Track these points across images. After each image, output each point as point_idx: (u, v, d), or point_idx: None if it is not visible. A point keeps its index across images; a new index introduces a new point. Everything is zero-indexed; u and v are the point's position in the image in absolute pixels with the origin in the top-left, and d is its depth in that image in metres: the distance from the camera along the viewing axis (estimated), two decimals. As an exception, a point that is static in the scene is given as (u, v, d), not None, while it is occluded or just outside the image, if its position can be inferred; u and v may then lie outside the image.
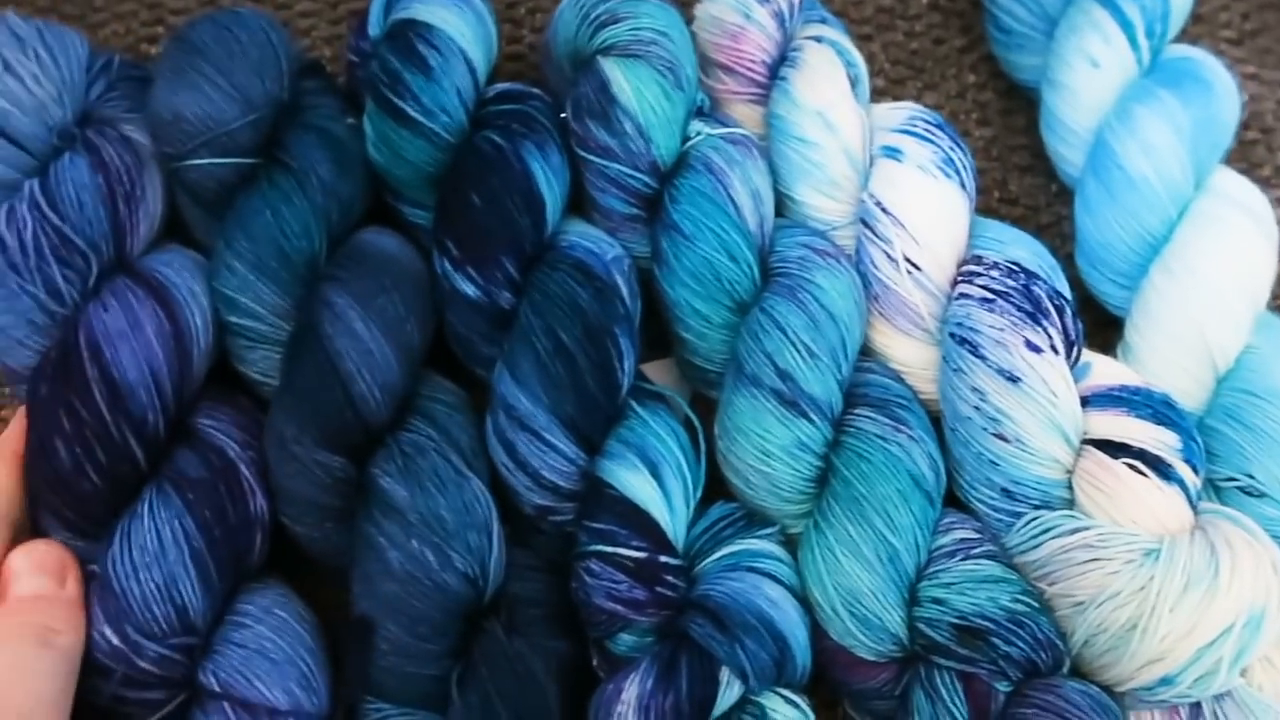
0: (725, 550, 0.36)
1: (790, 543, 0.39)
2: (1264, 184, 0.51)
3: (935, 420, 0.41)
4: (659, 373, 0.44)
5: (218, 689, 0.35)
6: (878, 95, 0.53)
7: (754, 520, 0.39)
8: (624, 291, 0.39)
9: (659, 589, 0.35)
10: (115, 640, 0.35)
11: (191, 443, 0.38)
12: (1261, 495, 0.39)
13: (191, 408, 0.39)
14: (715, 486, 0.40)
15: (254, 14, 0.42)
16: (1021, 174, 0.52)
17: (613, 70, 0.41)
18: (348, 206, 0.42)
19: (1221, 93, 0.44)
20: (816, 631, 0.37)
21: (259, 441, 0.38)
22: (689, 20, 0.47)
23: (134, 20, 0.53)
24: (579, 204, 0.44)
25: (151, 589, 0.35)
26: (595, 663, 0.38)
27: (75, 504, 0.36)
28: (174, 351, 0.38)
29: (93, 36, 0.52)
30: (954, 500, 0.41)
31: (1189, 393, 0.41)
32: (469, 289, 0.39)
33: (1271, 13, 0.55)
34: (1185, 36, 0.54)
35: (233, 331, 0.40)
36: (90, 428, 0.36)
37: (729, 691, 0.34)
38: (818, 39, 0.46)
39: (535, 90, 0.44)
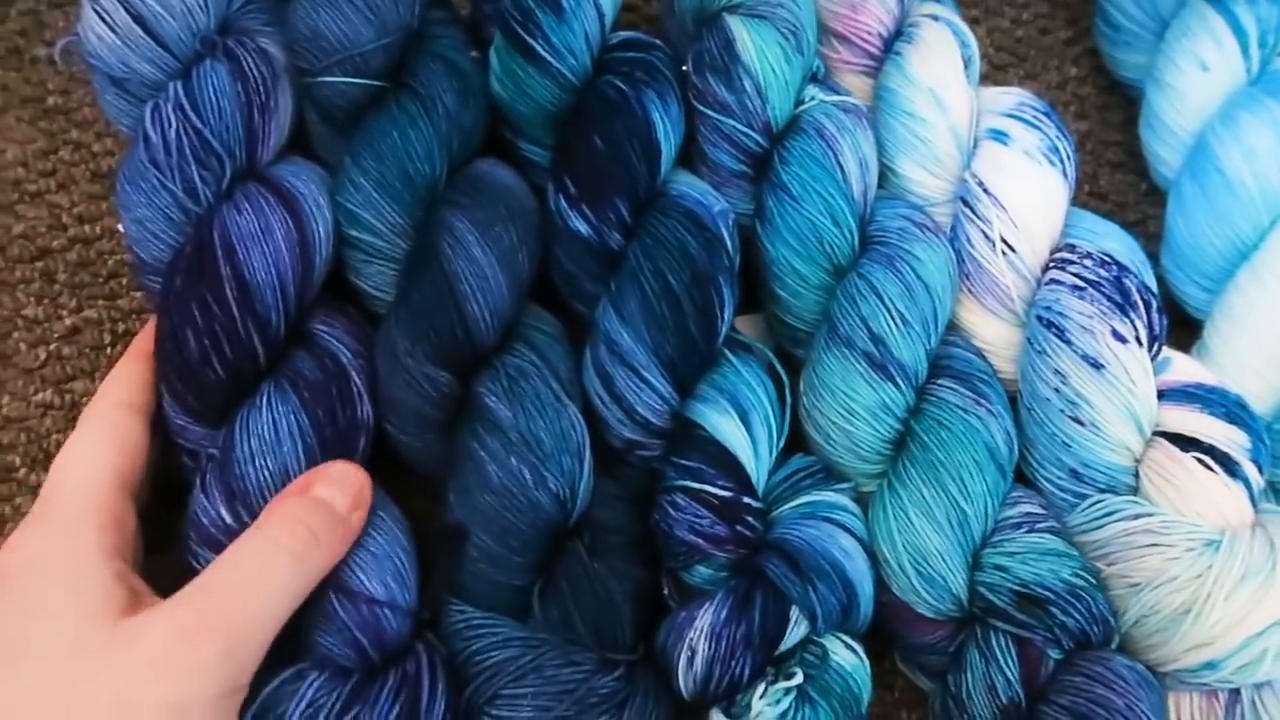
0: (803, 499, 0.38)
1: (860, 502, 0.41)
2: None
3: (1011, 399, 0.43)
4: (747, 326, 0.46)
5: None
6: (980, 80, 0.54)
7: (831, 474, 0.40)
8: (728, 244, 0.41)
9: (739, 527, 0.37)
10: (228, 518, 0.37)
11: (309, 346, 0.40)
12: (1322, 502, 0.40)
13: (310, 314, 0.41)
14: (796, 441, 0.42)
15: None
16: (1113, 170, 0.52)
17: (739, 28, 0.42)
18: (468, 136, 0.43)
19: (1328, 108, 0.45)
20: (879, 586, 0.39)
21: (368, 351, 0.40)
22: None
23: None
24: (685, 157, 0.45)
25: (265, 475, 0.37)
26: (667, 592, 0.40)
27: (199, 392, 0.39)
28: (299, 258, 0.40)
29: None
30: (1020, 478, 0.42)
31: (1261, 398, 0.42)
32: (581, 226, 0.41)
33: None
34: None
35: (352, 245, 0.42)
36: (219, 322, 0.38)
37: (796, 630, 0.36)
38: (934, 17, 0.47)
39: (658, 41, 0.45)
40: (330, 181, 0.42)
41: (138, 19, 0.42)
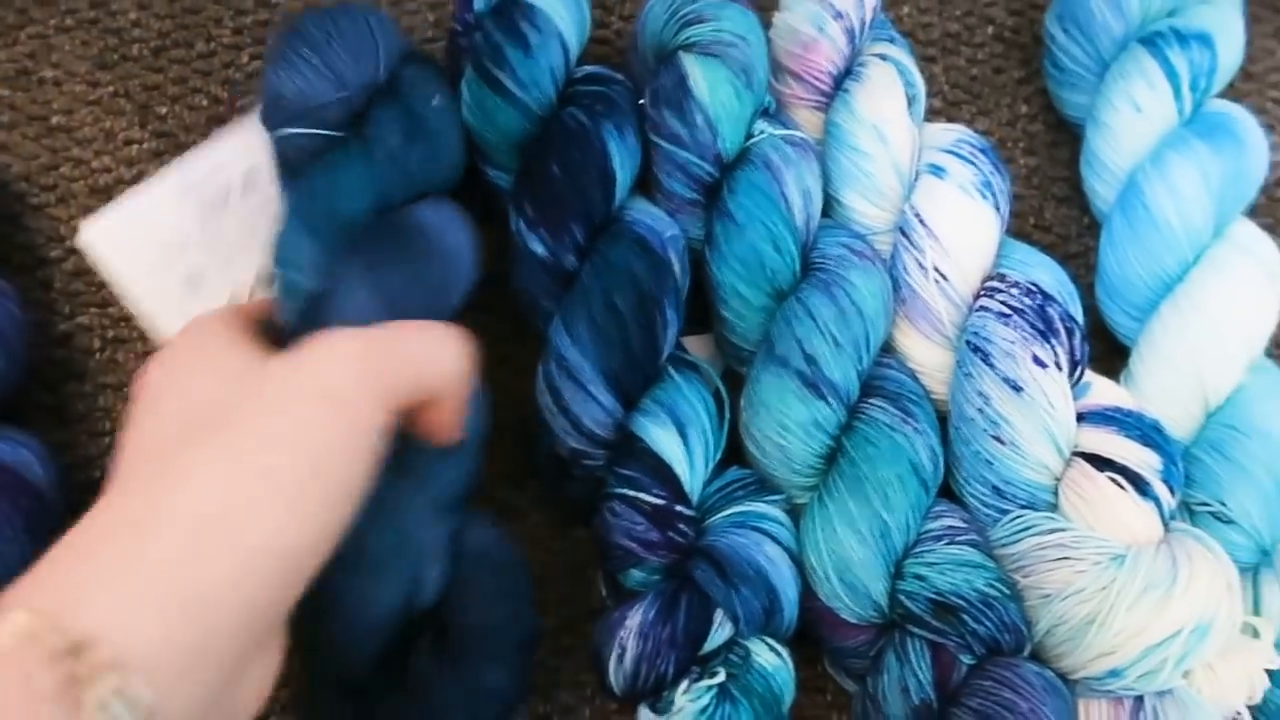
0: (734, 509, 0.41)
1: (795, 513, 0.43)
2: (1291, 240, 0.54)
3: (943, 420, 0.45)
4: (699, 346, 0.48)
5: None
6: (935, 115, 0.56)
7: (764, 487, 0.43)
8: (675, 268, 0.43)
9: (671, 534, 0.40)
10: None
11: None
12: (1230, 522, 0.42)
13: None
14: (736, 455, 0.45)
15: (359, 6, 0.46)
16: (1058, 204, 0.55)
17: (692, 66, 0.45)
18: (412, 177, 0.44)
19: (1252, 149, 0.47)
20: (807, 592, 0.42)
21: None
22: (767, 26, 0.51)
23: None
24: (645, 184, 0.48)
25: None
26: (604, 594, 0.42)
27: None
28: None
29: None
30: (951, 494, 0.45)
31: (1179, 422, 0.45)
32: (539, 248, 0.44)
33: (1321, 77, 0.58)
34: (1234, 92, 0.57)
35: (279, 282, 0.41)
36: None
37: (720, 631, 0.39)
38: (883, 57, 0.50)
39: (619, 76, 0.48)
40: None
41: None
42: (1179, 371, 0.45)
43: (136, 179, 0.53)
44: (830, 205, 0.48)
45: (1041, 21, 0.57)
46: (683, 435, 0.41)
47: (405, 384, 0.34)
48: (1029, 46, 0.58)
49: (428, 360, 0.35)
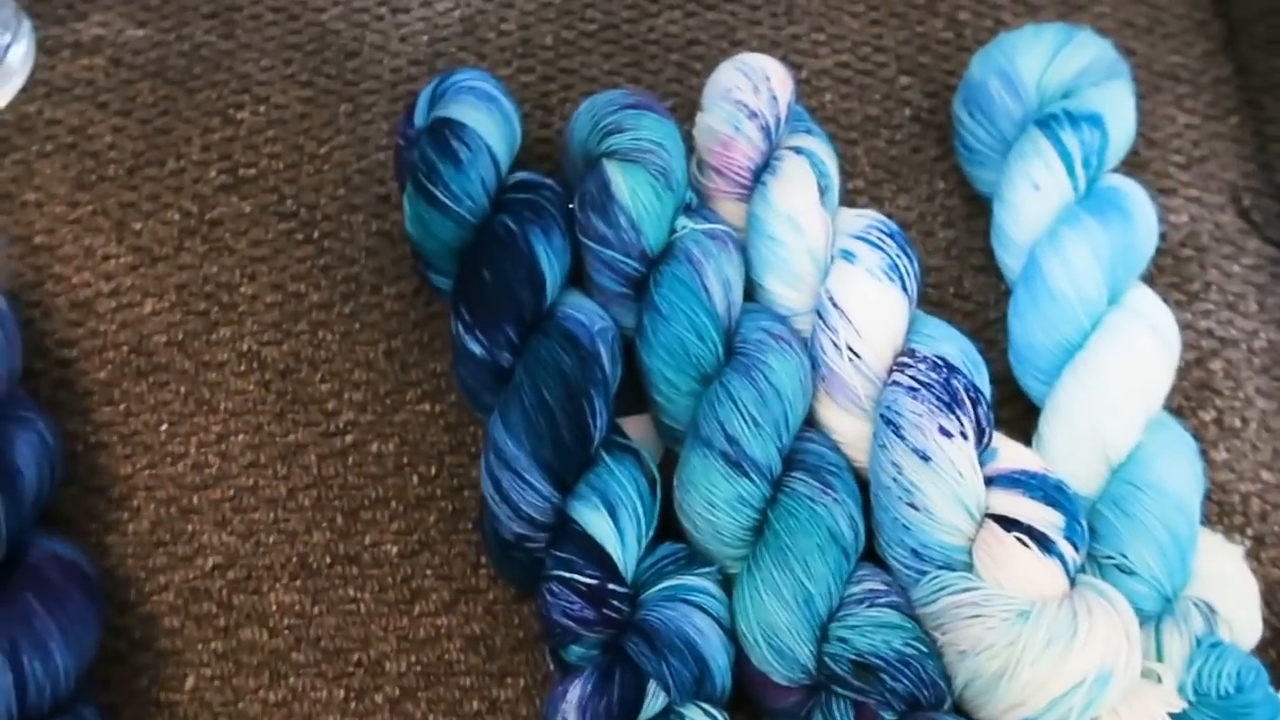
0: (666, 583, 0.44)
1: (729, 581, 0.46)
2: (1195, 297, 0.58)
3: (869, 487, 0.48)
4: (637, 428, 0.51)
5: None
6: (858, 194, 0.60)
7: (695, 559, 0.46)
8: (604, 359, 0.47)
9: (605, 610, 0.43)
10: None
11: None
12: (1132, 573, 0.45)
13: None
14: (676, 529, 0.48)
15: None
16: (976, 274, 0.59)
17: (614, 172, 0.49)
18: None
19: (1141, 222, 0.51)
20: (741, 658, 0.45)
21: None
22: (692, 121, 0.55)
23: (225, 88, 0.62)
24: (581, 278, 0.52)
25: None
26: (553, 668, 0.45)
27: None
28: None
29: (188, 100, 0.62)
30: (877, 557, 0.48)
31: (1085, 480, 0.48)
32: (476, 348, 0.47)
33: (1220, 143, 0.62)
34: (1138, 160, 0.61)
35: None
36: None
37: (654, 701, 0.42)
38: (798, 150, 0.54)
39: (548, 181, 0.52)
40: None
41: None
42: (1081, 432, 0.48)
43: (115, 293, 0.57)
44: (754, 290, 0.52)
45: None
46: (614, 516, 0.44)
47: None
48: (944, 126, 0.62)
49: None
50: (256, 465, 0.53)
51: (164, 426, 0.54)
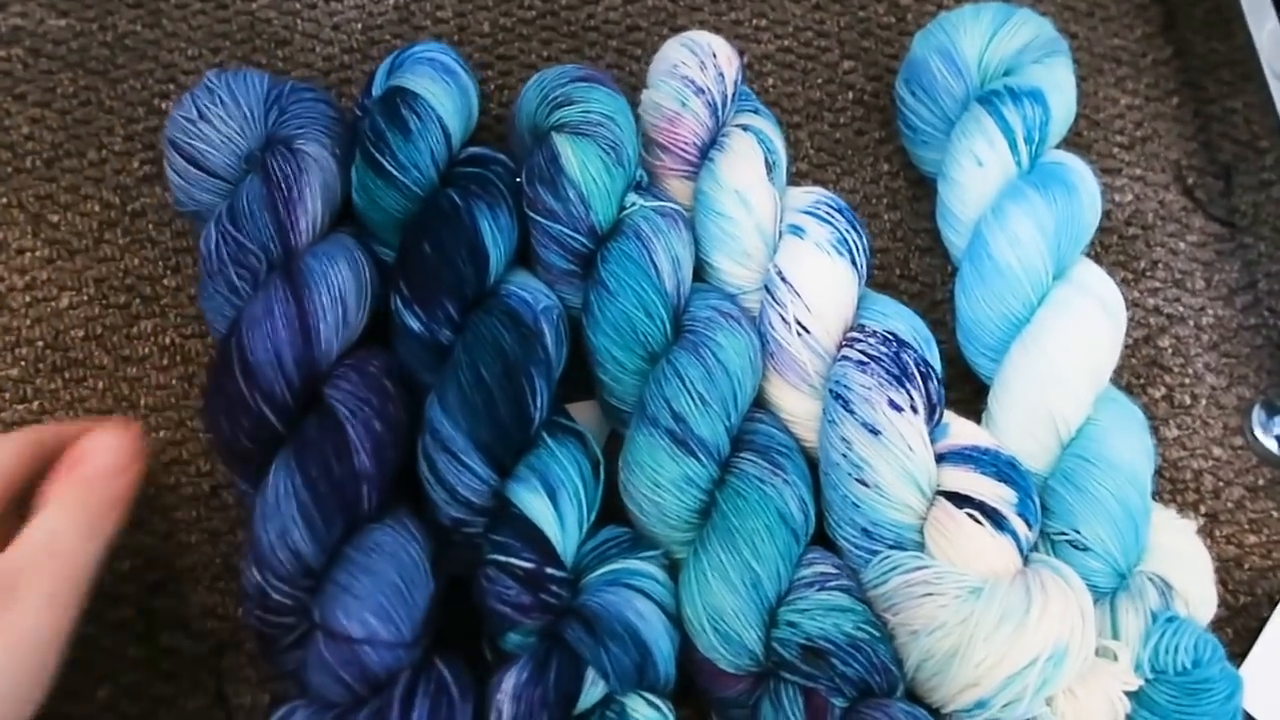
0: (607, 567, 0.42)
1: (676, 567, 0.45)
2: (1142, 275, 0.58)
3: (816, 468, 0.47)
4: (583, 412, 0.50)
5: (316, 620, 0.40)
6: (802, 178, 0.60)
7: (639, 543, 0.44)
8: (548, 338, 0.45)
9: (543, 596, 0.41)
10: (259, 580, 0.41)
11: (317, 408, 0.43)
12: (1086, 549, 0.44)
13: (328, 376, 0.44)
14: (619, 515, 0.46)
15: None
16: (922, 254, 0.58)
17: (563, 145, 0.48)
18: None
19: (1084, 195, 0.50)
20: (687, 644, 0.43)
21: (376, 402, 0.43)
22: (635, 105, 0.54)
23: (149, 78, 0.60)
24: (527, 257, 0.50)
25: (270, 538, 0.41)
26: (489, 657, 0.43)
27: (241, 463, 0.44)
28: (297, 333, 0.44)
29: (111, 90, 0.59)
30: (826, 538, 0.46)
31: (1036, 456, 0.47)
32: (414, 324, 0.45)
33: (1162, 123, 0.62)
34: (1081, 140, 0.61)
35: None
36: (233, 399, 0.43)
37: (593, 689, 0.40)
38: (744, 127, 0.52)
39: (500, 155, 0.50)
40: (355, 246, 0.48)
41: (190, 160, 0.49)
42: (1031, 408, 0.47)
43: (29, 286, 0.54)
44: (702, 268, 0.51)
45: (897, 85, 0.60)
46: (553, 499, 0.42)
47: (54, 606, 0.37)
48: (887, 109, 0.61)
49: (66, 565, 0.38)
50: (179, 462, 0.51)
51: (81, 424, 0.51)
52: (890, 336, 0.47)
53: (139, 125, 0.59)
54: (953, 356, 0.52)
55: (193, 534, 0.49)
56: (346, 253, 0.48)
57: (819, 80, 0.62)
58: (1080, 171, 0.52)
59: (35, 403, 0.52)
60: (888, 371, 0.45)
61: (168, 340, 0.53)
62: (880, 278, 0.57)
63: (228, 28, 0.62)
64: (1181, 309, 0.57)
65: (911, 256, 0.58)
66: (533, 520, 0.42)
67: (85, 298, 0.54)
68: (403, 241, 0.48)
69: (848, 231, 0.49)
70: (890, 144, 0.61)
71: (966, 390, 0.53)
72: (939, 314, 0.55)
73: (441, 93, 0.50)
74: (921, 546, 0.44)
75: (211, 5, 0.62)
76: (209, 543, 0.49)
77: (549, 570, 0.41)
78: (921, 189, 0.59)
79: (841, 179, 0.60)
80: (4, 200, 0.56)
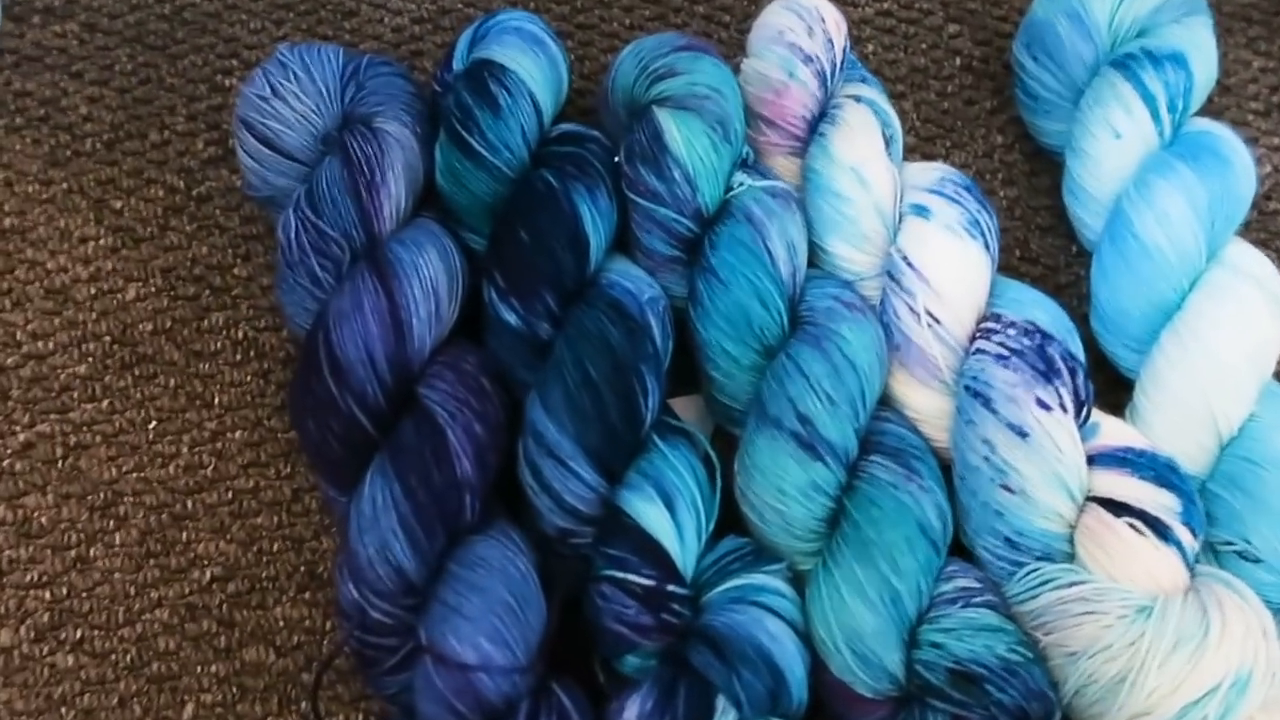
0: (731, 583, 0.38)
1: (798, 579, 0.41)
2: (1284, 255, 0.53)
3: (947, 468, 0.43)
4: (686, 408, 0.46)
5: (424, 643, 0.37)
6: (908, 152, 0.55)
7: (761, 556, 0.40)
8: (655, 332, 0.42)
9: (665, 616, 0.37)
10: (356, 596, 0.38)
11: (412, 410, 0.40)
12: (1258, 561, 0.40)
13: (421, 375, 0.41)
14: (734, 521, 0.42)
15: None
16: (1043, 234, 0.53)
17: (667, 121, 0.44)
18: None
19: (1239, 168, 0.46)
20: (818, 665, 0.39)
21: (475, 403, 0.40)
22: (734, 73, 0.49)
23: (211, 53, 0.56)
24: (625, 243, 0.46)
25: (370, 552, 0.38)
26: (602, 680, 0.40)
27: (332, 470, 0.41)
28: (389, 328, 0.40)
29: (171, 67, 0.56)
30: (961, 548, 0.42)
31: (1192, 457, 0.43)
32: (511, 318, 0.42)
33: (1300, 88, 0.57)
34: (1212, 107, 0.56)
35: None
36: (323, 402, 0.40)
37: (724, 719, 0.36)
38: (857, 98, 0.48)
39: (595, 133, 0.46)
40: (442, 234, 0.45)
41: (264, 141, 0.46)
42: (1186, 404, 0.43)
43: (94, 278, 0.51)
44: (813, 253, 0.47)
45: (1009, 50, 0.56)
46: (671, 508, 0.39)
47: None
48: (999, 76, 0.57)
49: None
50: (257, 465, 0.48)
51: (152, 425, 0.48)
52: (1032, 327, 0.42)
53: (202, 104, 0.55)
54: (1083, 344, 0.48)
55: (274, 541, 0.46)
56: (435, 240, 0.44)
57: (923, 46, 0.58)
58: (1231, 141, 0.47)
59: (105, 401, 0.49)
60: (1032, 367, 0.41)
61: (240, 334, 0.50)
62: (998, 260, 0.52)
63: (291, -1, 0.58)
64: (1331, 291, 0.52)
65: (1031, 237, 0.53)
66: (649, 532, 0.38)
67: (153, 289, 0.51)
68: (495, 228, 0.44)
69: (978, 212, 0.45)
70: (1004, 114, 0.56)
71: (1098, 383, 0.48)
72: (1066, 300, 0.51)
73: (531, 65, 0.46)
74: (1070, 557, 0.40)
75: (273, -25, 0.59)
76: (292, 550, 0.46)
77: (670, 587, 0.38)
78: (1040, 163, 0.55)
79: (951, 153, 0.55)
80: (64, 186, 0.53)
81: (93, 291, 0.51)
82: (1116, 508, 0.39)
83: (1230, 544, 0.40)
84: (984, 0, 0.59)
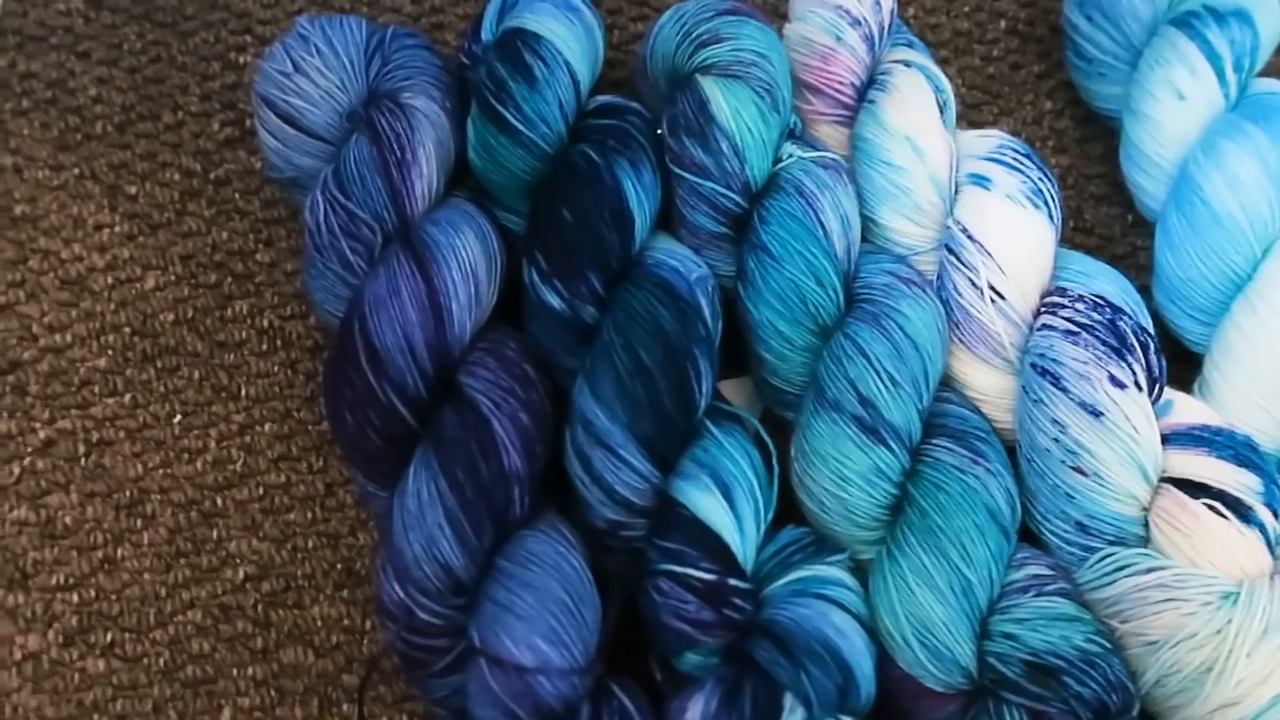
0: (793, 575, 0.37)
1: (859, 569, 0.39)
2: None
3: (1010, 450, 0.41)
4: (734, 390, 0.44)
5: (477, 644, 0.35)
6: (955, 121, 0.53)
7: (823, 546, 0.39)
8: (706, 313, 0.40)
9: (726, 611, 0.36)
10: (401, 595, 0.36)
11: (454, 400, 0.38)
12: (1343, 543, 0.38)
13: (462, 362, 0.39)
14: (788, 509, 0.41)
15: None
16: (1097, 203, 0.51)
17: (712, 90, 0.42)
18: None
19: (1312, 130, 0.44)
20: (884, 659, 0.38)
21: (522, 392, 0.38)
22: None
23: (223, 29, 0.54)
24: (666, 219, 0.44)
25: (417, 549, 0.36)
26: (659, 678, 0.38)
27: (369, 463, 0.39)
28: (428, 314, 0.38)
29: (182, 44, 0.53)
30: (1027, 533, 0.41)
31: (1269, 434, 0.41)
32: (554, 301, 0.40)
33: (1361, 45, 0.54)
34: (1269, 69, 0.53)
35: None
36: (361, 392, 0.38)
37: (791, 717, 0.35)
38: (906, 63, 0.46)
39: (635, 105, 0.44)
40: (478, 214, 0.42)
41: (287, 119, 0.44)
42: (1261, 377, 0.41)
43: (111, 266, 0.49)
44: (867, 227, 0.45)
45: (1056, 11, 0.53)
46: (728, 498, 0.37)
47: None
48: (1046, 39, 0.55)
49: None
50: (288, 458, 0.46)
51: (177, 418, 0.46)
52: (1101, 301, 0.41)
53: (215, 83, 0.53)
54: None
55: (309, 538, 0.45)
56: (470, 220, 0.42)
57: (965, 9, 0.55)
58: (1302, 102, 0.45)
59: (127, 395, 0.47)
60: (1104, 342, 0.39)
61: (265, 322, 0.48)
62: (1056, 231, 0.50)
63: (304, -30, 0.56)
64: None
65: (1085, 206, 0.51)
66: (707, 523, 0.37)
67: (172, 277, 0.49)
68: (535, 207, 0.42)
69: (1040, 180, 0.43)
70: (1052, 78, 0.54)
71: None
72: (1123, 271, 0.49)
73: (567, 33, 0.44)
74: (1144, 541, 0.39)
75: (285, -54, 0.56)
76: (328, 547, 0.45)
77: (731, 581, 0.36)
78: (1092, 129, 0.53)
79: (999, 120, 0.53)
80: (76, 171, 0.51)
81: (110, 281, 0.49)
82: (1194, 489, 0.38)
83: (1313, 525, 0.39)
84: (1028, -40, 0.56)
